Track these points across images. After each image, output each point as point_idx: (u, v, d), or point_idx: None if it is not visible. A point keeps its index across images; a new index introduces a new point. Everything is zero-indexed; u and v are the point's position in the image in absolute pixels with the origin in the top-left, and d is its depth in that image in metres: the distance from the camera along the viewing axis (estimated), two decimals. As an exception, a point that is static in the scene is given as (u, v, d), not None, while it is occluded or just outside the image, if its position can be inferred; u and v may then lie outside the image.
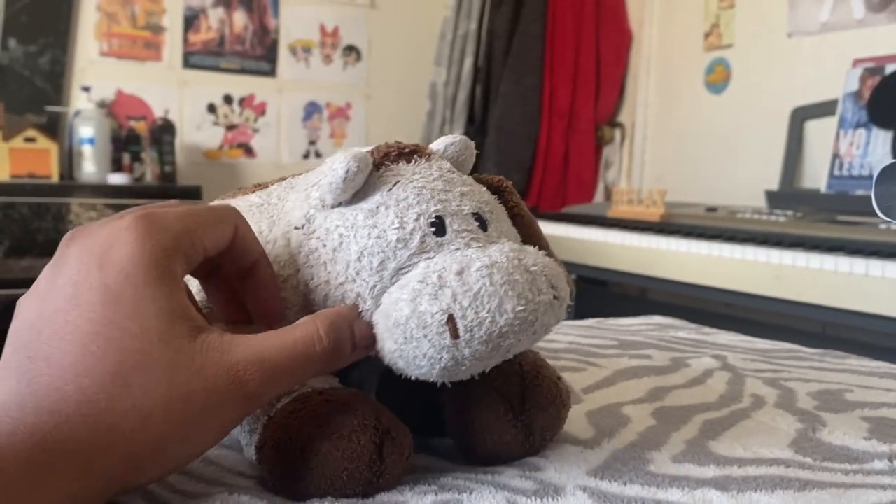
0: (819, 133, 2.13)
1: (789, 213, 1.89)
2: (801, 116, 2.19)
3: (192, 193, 2.53)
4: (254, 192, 0.48)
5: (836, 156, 1.96)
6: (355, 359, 0.38)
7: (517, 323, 0.35)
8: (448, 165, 0.43)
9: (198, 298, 0.44)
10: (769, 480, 0.40)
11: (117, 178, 2.52)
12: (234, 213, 0.39)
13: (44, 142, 2.42)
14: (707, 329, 0.90)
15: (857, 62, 1.98)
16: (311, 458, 0.36)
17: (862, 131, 1.90)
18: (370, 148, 0.42)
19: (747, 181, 2.34)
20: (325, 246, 0.39)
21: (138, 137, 2.67)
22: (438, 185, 0.40)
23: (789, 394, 0.58)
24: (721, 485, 0.39)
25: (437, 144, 0.44)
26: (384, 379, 0.48)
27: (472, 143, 0.45)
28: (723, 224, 1.88)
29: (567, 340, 0.78)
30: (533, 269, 0.37)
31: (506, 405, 0.42)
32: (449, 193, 0.40)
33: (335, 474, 0.36)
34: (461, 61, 2.96)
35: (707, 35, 2.61)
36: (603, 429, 0.48)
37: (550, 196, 2.97)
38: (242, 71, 2.94)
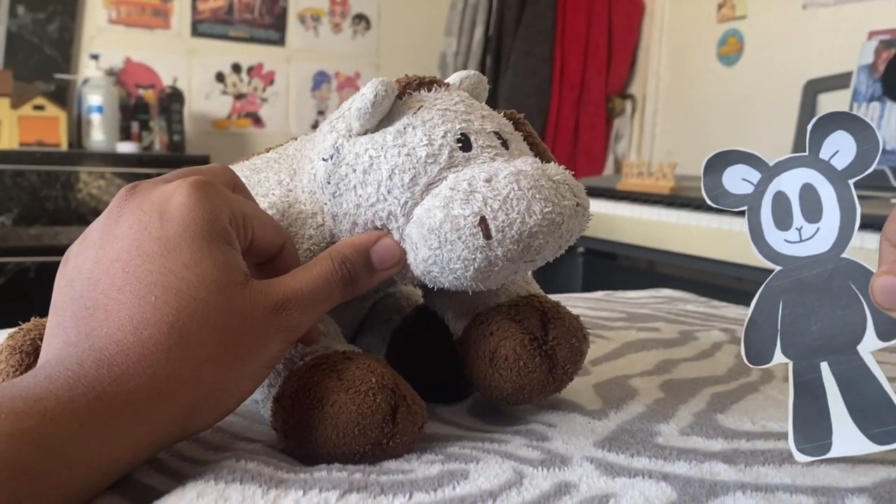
0: (832, 106, 2.10)
1: (800, 187, 1.87)
2: (814, 89, 2.17)
3: (201, 164, 2.53)
4: (267, 152, 0.50)
5: (849, 129, 1.93)
6: (381, 279, 0.41)
7: (545, 224, 0.37)
8: (466, 94, 0.45)
9: None
10: (777, 454, 0.40)
11: (126, 147, 2.52)
12: (287, 233, 0.41)
13: (52, 110, 2.42)
14: (716, 302, 0.89)
15: (872, 34, 1.95)
16: (327, 409, 0.37)
17: (876, 105, 1.88)
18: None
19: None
20: (354, 171, 0.41)
21: (147, 106, 2.67)
22: (460, 108, 0.42)
23: (798, 368, 0.58)
24: (729, 458, 0.39)
25: (453, 78, 0.46)
26: (391, 346, 0.48)
27: (485, 78, 0.47)
28: (733, 198, 1.86)
29: (575, 313, 0.78)
30: (556, 177, 0.39)
31: (529, 336, 0.43)
32: (471, 115, 0.42)
33: (347, 427, 0.37)
34: (472, 31, 2.94)
35: (720, 6, 2.58)
36: (610, 401, 0.48)
37: (560, 168, 2.95)
38: (251, 39, 2.92)
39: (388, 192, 0.40)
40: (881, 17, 2.01)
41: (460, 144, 0.40)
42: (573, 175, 0.41)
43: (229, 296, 0.35)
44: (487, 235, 0.37)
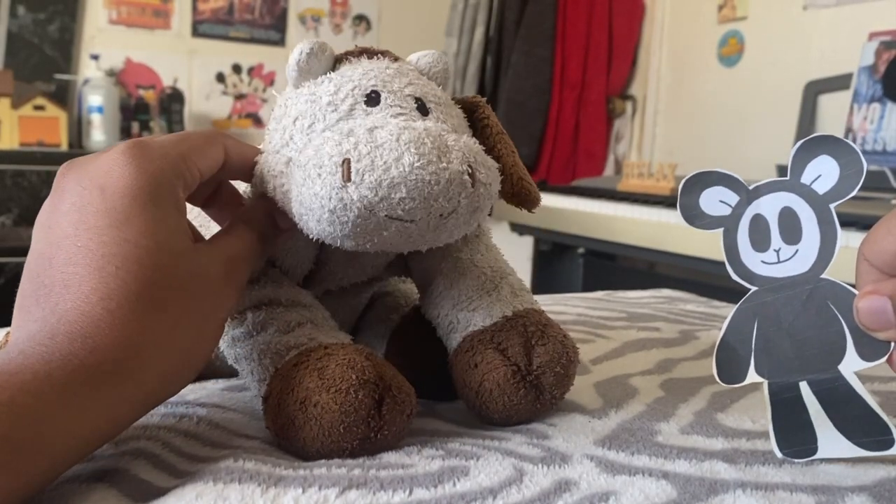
0: (833, 107, 2.10)
1: (801, 187, 1.86)
2: (814, 90, 2.17)
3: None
4: None
5: (849, 130, 1.93)
6: (286, 238, 0.43)
7: (412, 178, 0.35)
8: (411, 66, 0.44)
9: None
10: (778, 452, 0.40)
11: (126, 147, 2.51)
12: (222, 135, 0.41)
13: (53, 110, 2.42)
14: (716, 302, 0.89)
15: (873, 35, 1.95)
16: (310, 409, 0.37)
17: (877, 106, 1.88)
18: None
19: (759, 155, 2.32)
20: (274, 119, 0.41)
21: (147, 106, 2.67)
22: (388, 73, 0.41)
23: (799, 367, 0.58)
24: (729, 457, 0.39)
25: (412, 56, 0.45)
26: (391, 345, 0.48)
27: (447, 60, 0.46)
28: (733, 198, 1.86)
29: (576, 312, 0.78)
30: (452, 144, 0.37)
31: (513, 368, 0.42)
32: (395, 79, 0.41)
33: (332, 427, 0.36)
34: (472, 31, 2.94)
35: (721, 7, 2.58)
36: (611, 399, 0.48)
37: (560, 169, 2.95)
38: (252, 40, 2.92)
39: (291, 137, 0.40)
40: (882, 19, 2.00)
41: (366, 100, 0.40)
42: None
43: (187, 259, 0.36)
44: (347, 177, 0.35)
